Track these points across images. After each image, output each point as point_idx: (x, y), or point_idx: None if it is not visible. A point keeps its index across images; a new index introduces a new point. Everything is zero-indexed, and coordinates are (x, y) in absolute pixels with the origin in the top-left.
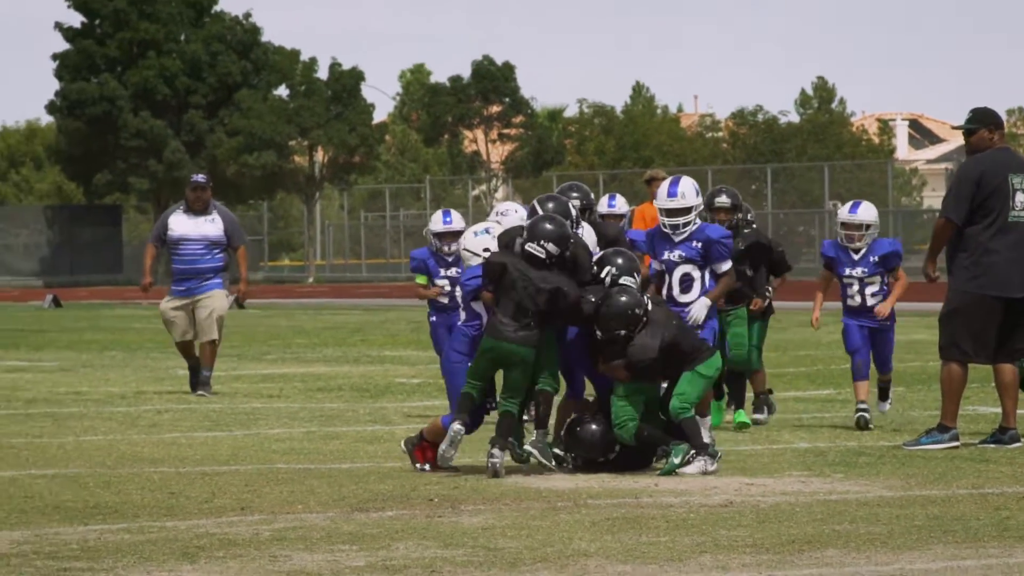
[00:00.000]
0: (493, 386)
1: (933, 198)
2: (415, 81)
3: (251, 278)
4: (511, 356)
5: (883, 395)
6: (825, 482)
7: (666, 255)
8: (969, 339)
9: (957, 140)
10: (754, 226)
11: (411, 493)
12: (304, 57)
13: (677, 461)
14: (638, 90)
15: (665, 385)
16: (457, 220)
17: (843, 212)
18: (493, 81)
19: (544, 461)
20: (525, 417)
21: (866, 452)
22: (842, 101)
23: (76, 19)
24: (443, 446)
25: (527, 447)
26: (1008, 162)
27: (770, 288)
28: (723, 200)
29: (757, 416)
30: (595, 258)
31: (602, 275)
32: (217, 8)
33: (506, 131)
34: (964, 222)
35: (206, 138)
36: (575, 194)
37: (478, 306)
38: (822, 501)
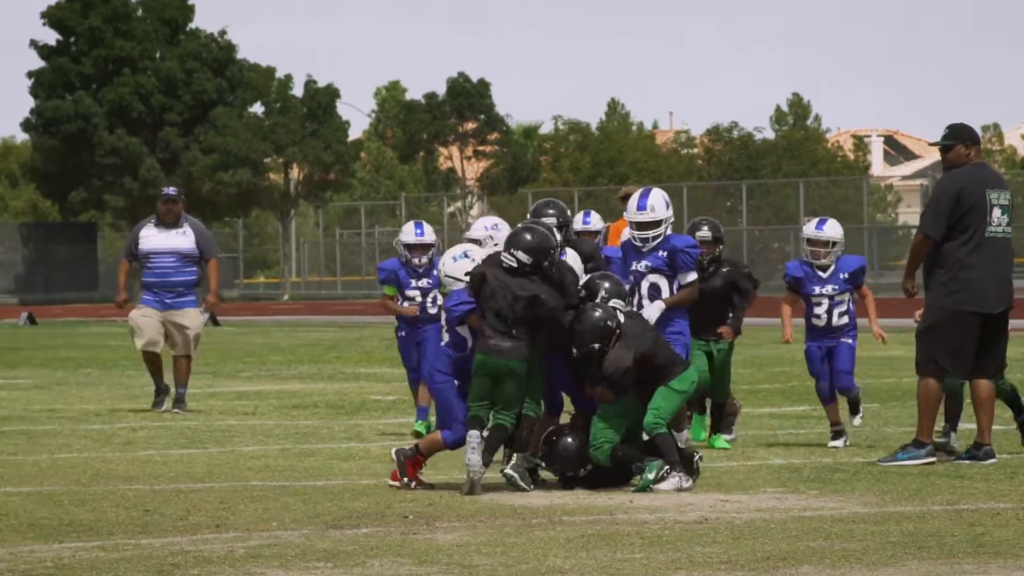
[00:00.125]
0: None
1: (908, 214)
2: (390, 98)
3: (226, 295)
4: (503, 368)
5: (853, 409)
6: (800, 499)
7: (634, 265)
8: (947, 355)
9: (932, 156)
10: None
11: (386, 510)
12: (279, 74)
13: (651, 477)
14: (613, 107)
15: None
16: (428, 232)
17: (809, 228)
18: (468, 98)
19: (523, 485)
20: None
21: (841, 468)
22: (817, 118)
23: (51, 37)
24: (468, 454)
25: (507, 470)
26: (985, 178)
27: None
28: (704, 234)
29: (728, 437)
30: (582, 282)
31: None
32: (192, 26)
33: (481, 148)
34: (942, 238)
35: (181, 155)
36: (551, 211)
37: (463, 331)
38: (797, 518)
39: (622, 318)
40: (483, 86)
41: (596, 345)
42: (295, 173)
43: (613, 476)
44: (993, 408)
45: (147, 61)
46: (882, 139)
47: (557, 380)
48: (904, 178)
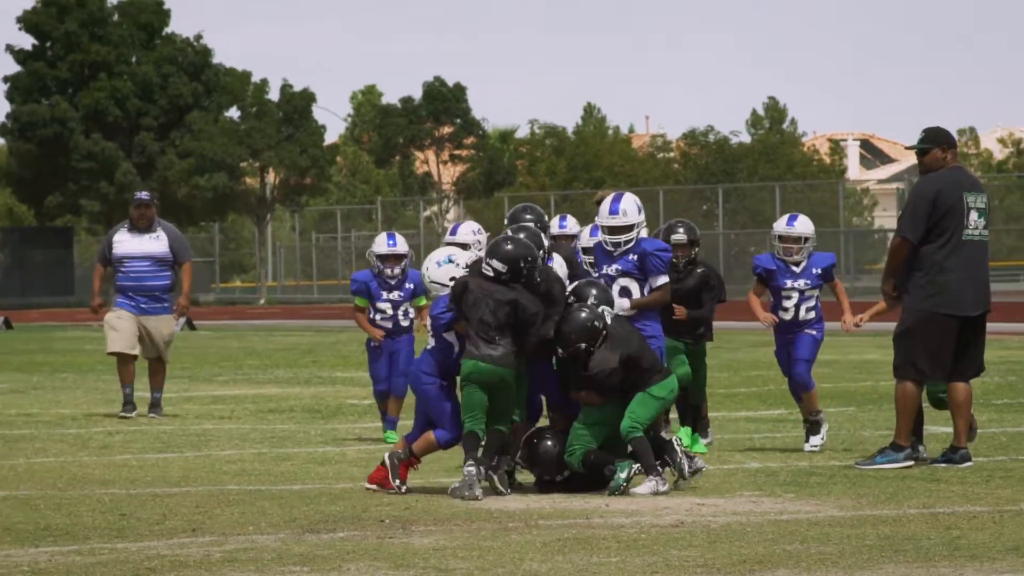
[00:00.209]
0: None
1: (884, 218)
2: (366, 102)
3: (203, 300)
4: (493, 377)
5: (814, 429)
6: (776, 502)
7: (605, 269)
8: (925, 358)
9: (908, 160)
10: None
11: (362, 514)
12: (255, 79)
13: (623, 476)
14: (589, 111)
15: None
16: (401, 243)
17: (780, 225)
18: (444, 102)
19: (500, 488)
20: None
21: (817, 472)
22: (793, 121)
23: (27, 41)
24: (459, 487)
25: (476, 467)
26: (962, 181)
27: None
28: (679, 236)
29: (705, 441)
30: (570, 288)
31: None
32: (168, 30)
33: (457, 152)
34: (919, 241)
35: (157, 160)
36: (529, 216)
37: (450, 336)
38: (773, 521)
39: (608, 320)
40: (459, 90)
41: (583, 345)
42: (271, 177)
43: (590, 482)
44: (970, 411)
45: (123, 66)
46: (858, 143)
47: (537, 385)
48: (880, 182)
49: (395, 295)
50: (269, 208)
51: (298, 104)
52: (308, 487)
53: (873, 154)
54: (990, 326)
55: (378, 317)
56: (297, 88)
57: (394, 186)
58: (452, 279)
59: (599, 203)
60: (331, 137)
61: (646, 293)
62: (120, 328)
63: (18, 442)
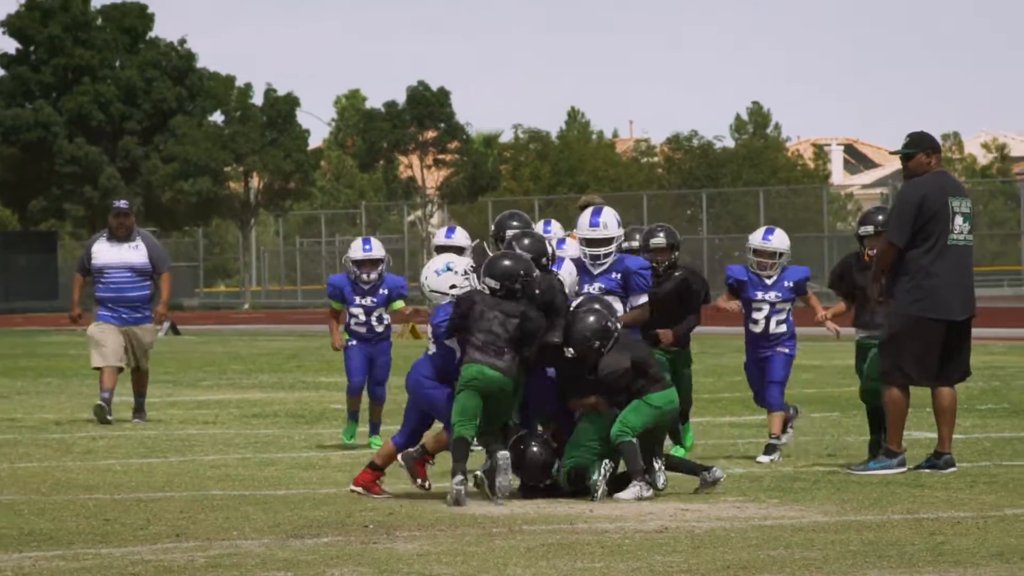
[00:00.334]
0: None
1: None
2: (350, 107)
3: (187, 304)
4: (495, 383)
5: (768, 450)
6: (760, 507)
7: (586, 287)
8: (913, 363)
9: (892, 165)
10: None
11: (346, 519)
12: (239, 83)
13: (595, 477)
14: (573, 115)
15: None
16: (377, 248)
17: (755, 239)
18: (428, 107)
19: (488, 492)
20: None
21: (801, 477)
22: (777, 126)
23: (11, 46)
24: (449, 501)
25: (478, 472)
26: (947, 186)
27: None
28: (659, 240)
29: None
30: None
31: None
32: (152, 34)
33: (441, 157)
34: (905, 246)
35: (141, 164)
36: (515, 223)
37: (452, 343)
38: (757, 527)
39: (619, 325)
40: (443, 95)
41: (597, 343)
42: (255, 182)
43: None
44: (954, 417)
45: (107, 70)
46: (842, 148)
47: (532, 394)
48: (864, 187)
49: (368, 300)
50: (253, 212)
51: (282, 108)
52: (292, 492)
53: (857, 159)
54: (974, 331)
55: (352, 322)
56: (281, 92)
57: (378, 191)
58: (452, 287)
59: (583, 208)
60: (315, 141)
61: (626, 310)
62: (106, 343)
63: (1, 447)
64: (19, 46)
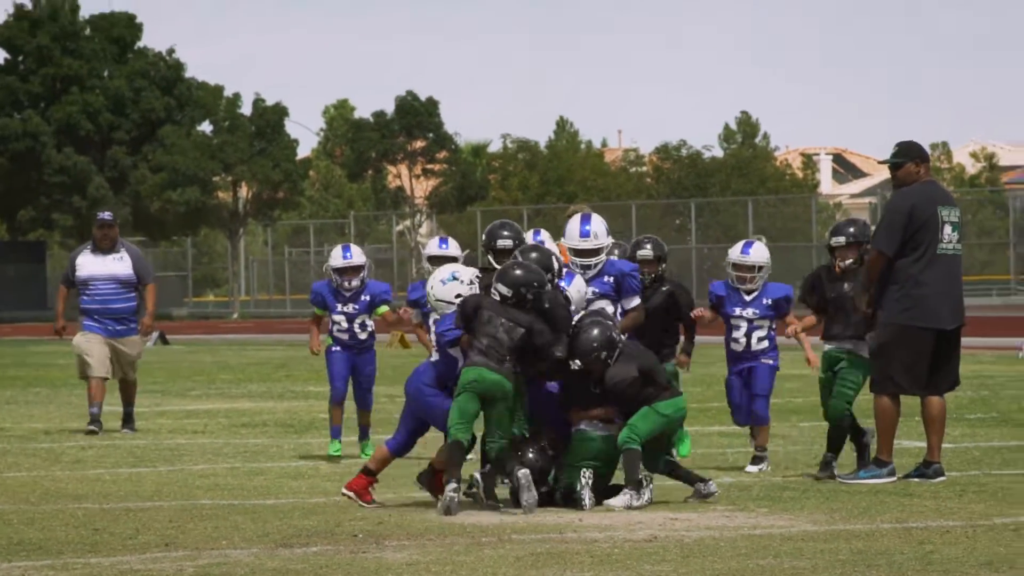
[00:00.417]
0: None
1: None
2: (339, 116)
3: (176, 314)
4: (494, 387)
5: (755, 461)
6: (749, 516)
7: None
8: (903, 372)
9: (881, 174)
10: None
11: (336, 529)
12: (228, 93)
13: (577, 487)
14: (562, 125)
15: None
16: (357, 255)
17: (734, 253)
18: (417, 116)
19: (483, 497)
20: (471, 456)
21: (790, 487)
22: (766, 136)
23: None
24: (440, 509)
25: (475, 474)
26: (936, 195)
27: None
28: (646, 252)
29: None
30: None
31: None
32: (140, 44)
33: (430, 166)
34: (895, 255)
35: (130, 174)
36: (506, 232)
37: (455, 352)
38: (746, 536)
39: (624, 337)
40: (432, 104)
41: (603, 354)
42: (244, 192)
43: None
44: (944, 427)
45: (95, 80)
46: (831, 157)
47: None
48: (853, 196)
49: (350, 307)
50: (242, 222)
51: (270, 118)
52: (281, 501)
53: (846, 168)
54: (963, 341)
55: (335, 329)
56: (269, 102)
57: (367, 200)
58: (457, 296)
59: (571, 217)
60: (303, 151)
61: (618, 314)
62: (93, 353)
63: None
64: (7, 56)
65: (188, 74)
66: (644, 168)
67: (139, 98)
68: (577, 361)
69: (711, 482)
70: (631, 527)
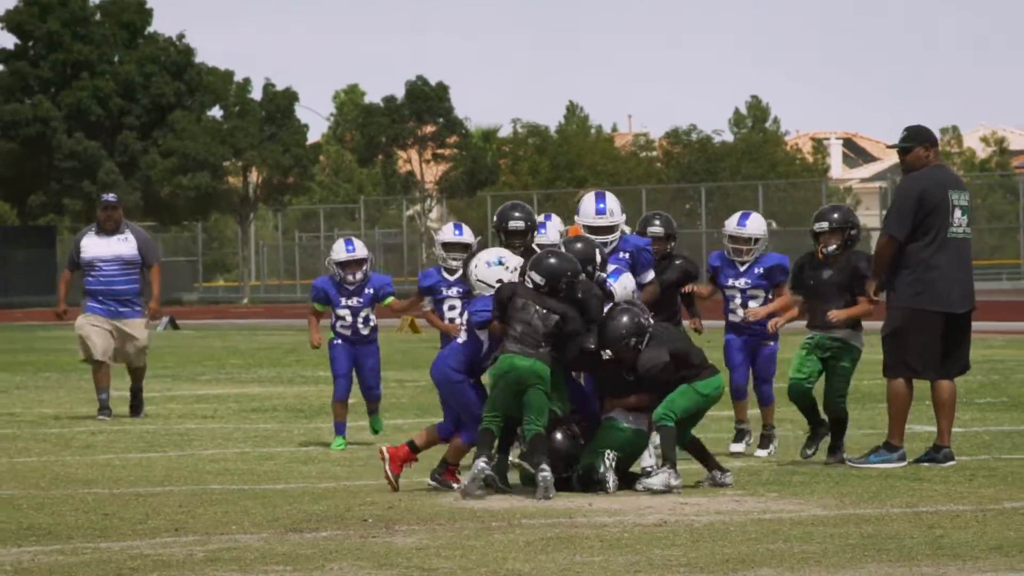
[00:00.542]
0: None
1: (868, 217)
2: (349, 102)
3: (186, 299)
4: (527, 373)
5: (763, 443)
6: (759, 501)
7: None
8: (918, 356)
9: (891, 159)
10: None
11: (345, 514)
12: (238, 78)
13: (602, 469)
14: (572, 110)
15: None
16: (360, 248)
17: (730, 224)
18: (427, 101)
19: (501, 486)
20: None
21: (800, 471)
22: (776, 120)
23: (9, 41)
24: (466, 482)
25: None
26: (946, 179)
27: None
28: (656, 229)
29: None
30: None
31: None
32: (151, 29)
33: (440, 151)
34: (906, 239)
35: (140, 159)
36: (517, 214)
37: (482, 334)
38: (756, 520)
39: (653, 322)
40: (442, 89)
41: (633, 340)
42: (254, 176)
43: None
44: (953, 411)
45: (105, 65)
46: (841, 142)
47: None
48: (863, 180)
49: (354, 301)
50: (252, 207)
51: (281, 103)
52: (291, 486)
53: (856, 153)
54: (973, 325)
55: (338, 324)
56: (280, 87)
57: (377, 185)
58: (499, 281)
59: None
60: (314, 136)
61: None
62: (94, 336)
63: (0, 442)
64: (18, 41)
65: (198, 59)
66: (654, 153)
67: (149, 83)
68: (608, 351)
69: (728, 473)
70: (641, 512)
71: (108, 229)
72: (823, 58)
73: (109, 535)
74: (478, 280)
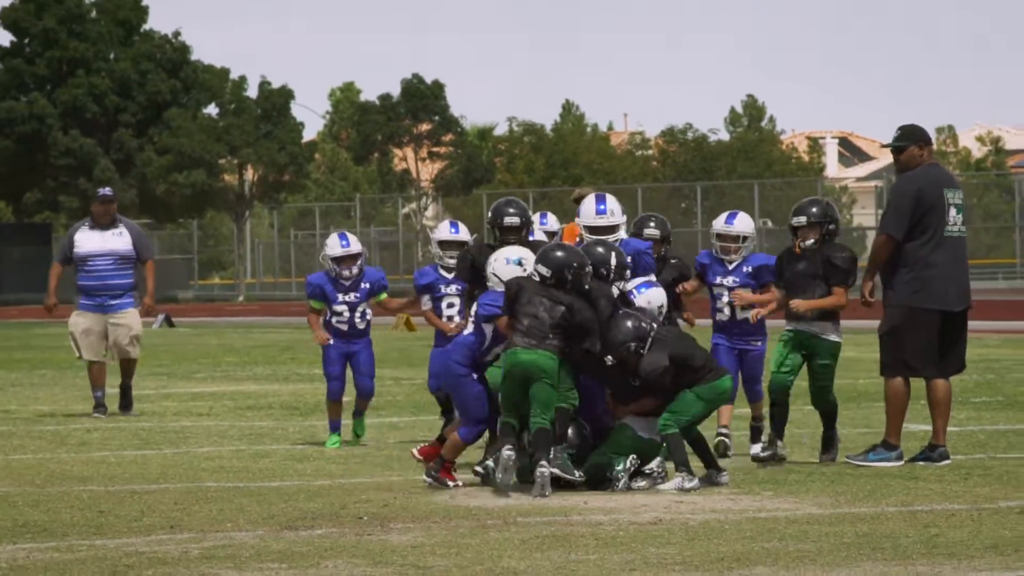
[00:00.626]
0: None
1: (863, 216)
2: (344, 99)
3: (182, 297)
4: (530, 367)
5: (754, 436)
6: (754, 499)
7: None
8: (917, 354)
9: (886, 158)
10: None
11: (340, 511)
12: (233, 75)
13: (620, 468)
14: (568, 108)
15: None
16: (354, 243)
17: (718, 223)
18: (423, 99)
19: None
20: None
21: (795, 470)
22: (772, 119)
23: (5, 38)
24: (498, 474)
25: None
26: (941, 178)
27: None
28: (652, 231)
29: None
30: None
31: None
32: (146, 27)
33: (436, 149)
34: (903, 238)
35: (136, 156)
36: (512, 210)
37: (488, 327)
38: (751, 519)
39: (655, 326)
40: (437, 87)
41: (632, 345)
42: (250, 174)
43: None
44: (949, 410)
45: (101, 62)
46: (836, 141)
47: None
48: (859, 180)
49: (351, 296)
50: (248, 205)
51: (276, 101)
52: (286, 484)
53: (852, 152)
54: (969, 324)
55: (334, 320)
56: (275, 85)
57: (372, 183)
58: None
59: (578, 201)
60: (309, 134)
61: None
62: (88, 337)
63: None
64: (13, 38)
65: (194, 57)
66: (650, 151)
67: (145, 81)
68: (610, 356)
69: (725, 473)
70: (636, 510)
71: (103, 224)
72: (819, 57)
73: (104, 532)
74: (494, 274)
